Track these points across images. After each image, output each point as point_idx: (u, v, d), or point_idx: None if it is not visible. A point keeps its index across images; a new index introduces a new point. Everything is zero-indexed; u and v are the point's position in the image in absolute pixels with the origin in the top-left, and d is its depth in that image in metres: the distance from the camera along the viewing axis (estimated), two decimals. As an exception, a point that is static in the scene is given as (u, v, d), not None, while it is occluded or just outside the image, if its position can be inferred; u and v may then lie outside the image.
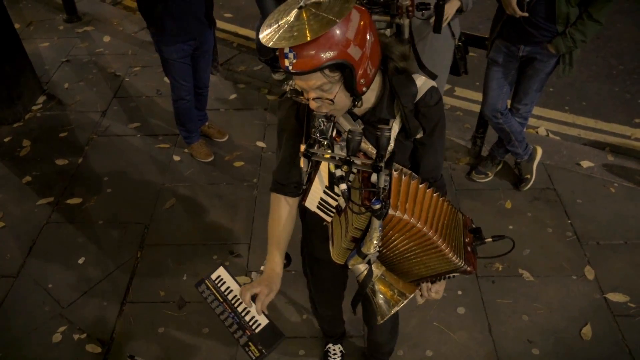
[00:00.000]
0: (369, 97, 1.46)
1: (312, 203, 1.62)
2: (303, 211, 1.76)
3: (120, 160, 3.79)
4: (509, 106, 3.30)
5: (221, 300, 1.63)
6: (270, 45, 1.25)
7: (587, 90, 4.58)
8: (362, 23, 1.27)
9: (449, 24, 2.98)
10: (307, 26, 1.20)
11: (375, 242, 1.35)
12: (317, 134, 1.35)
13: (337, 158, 1.34)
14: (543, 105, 4.36)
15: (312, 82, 1.30)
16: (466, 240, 1.51)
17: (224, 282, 1.66)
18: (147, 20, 3.12)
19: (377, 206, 1.27)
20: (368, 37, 1.29)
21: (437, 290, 1.62)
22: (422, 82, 1.49)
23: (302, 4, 1.24)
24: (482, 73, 3.28)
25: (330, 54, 1.23)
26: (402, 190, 1.36)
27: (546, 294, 2.91)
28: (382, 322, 1.50)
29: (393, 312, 1.48)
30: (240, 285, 1.63)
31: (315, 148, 1.36)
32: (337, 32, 1.23)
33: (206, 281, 1.67)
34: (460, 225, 1.53)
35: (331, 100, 1.33)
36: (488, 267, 3.03)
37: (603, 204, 3.41)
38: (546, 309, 2.84)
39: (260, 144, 3.91)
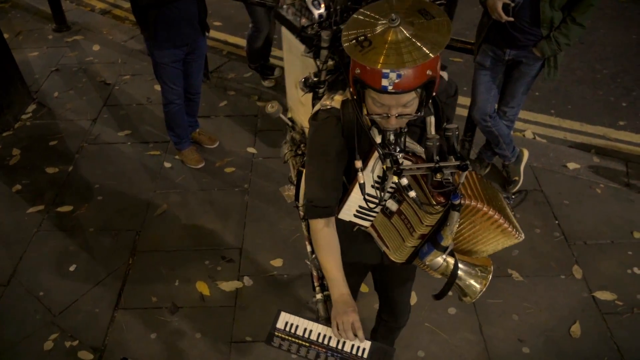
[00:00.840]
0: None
1: (347, 214, 1.64)
2: None
3: (111, 167, 3.79)
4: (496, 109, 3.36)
5: (307, 344, 1.57)
6: (366, 63, 1.24)
7: (572, 94, 4.66)
8: None
9: None
10: (415, 52, 1.22)
11: (454, 233, 1.41)
12: (393, 149, 1.36)
13: (425, 167, 1.34)
14: (529, 109, 4.43)
15: (405, 99, 1.32)
16: (510, 209, 1.60)
17: (296, 326, 1.59)
18: (140, 24, 3.14)
19: (457, 201, 1.32)
20: None
21: None
22: (444, 76, 1.55)
23: (394, 19, 1.24)
24: (470, 79, 3.34)
25: (430, 73, 1.28)
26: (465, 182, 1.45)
27: (535, 293, 2.94)
28: (473, 300, 1.57)
29: (485, 288, 1.55)
30: (313, 321, 1.61)
31: (402, 164, 1.36)
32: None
33: (276, 333, 1.59)
34: (499, 195, 1.61)
35: (414, 114, 1.36)
36: (478, 268, 3.06)
37: (589, 205, 3.47)
38: (536, 308, 2.87)
39: (251, 149, 3.93)
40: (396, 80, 1.25)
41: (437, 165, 1.30)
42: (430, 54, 1.22)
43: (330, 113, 1.51)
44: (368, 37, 1.26)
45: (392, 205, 1.52)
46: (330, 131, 1.52)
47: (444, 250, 1.46)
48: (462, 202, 1.36)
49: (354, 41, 1.27)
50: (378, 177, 1.52)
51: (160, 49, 3.19)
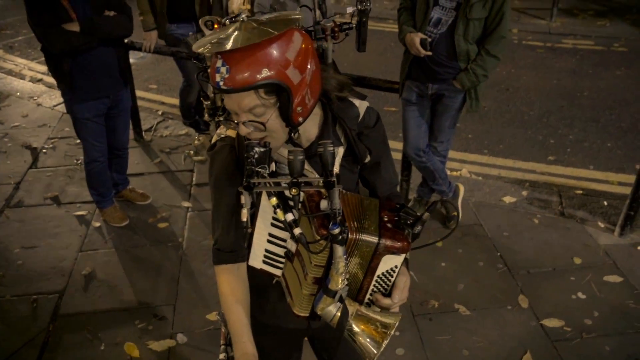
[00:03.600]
0: (310, 128, 1.36)
1: (256, 260, 1.43)
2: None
3: (35, 231, 3.54)
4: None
5: None
6: (198, 50, 1.16)
7: (503, 135, 4.82)
8: (303, 46, 1.20)
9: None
10: (241, 35, 1.13)
11: (342, 273, 1.19)
12: (254, 164, 1.17)
13: (282, 184, 1.18)
14: (463, 150, 4.54)
15: (245, 103, 1.18)
16: (384, 219, 1.35)
17: None
18: (55, 77, 3.04)
19: (336, 230, 1.13)
20: (309, 65, 1.21)
21: (403, 286, 1.38)
22: (358, 104, 1.44)
23: (242, 17, 1.17)
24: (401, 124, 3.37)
25: (266, 72, 1.13)
26: (346, 212, 1.25)
27: (484, 326, 2.85)
28: None
29: (383, 348, 1.29)
30: None
31: (255, 179, 1.18)
32: (277, 49, 1.14)
33: None
34: (371, 208, 1.38)
35: (262, 124, 1.21)
36: (424, 305, 2.96)
37: (529, 235, 3.48)
38: (485, 341, 2.77)
39: (186, 203, 3.79)
40: (226, 75, 1.14)
41: (295, 179, 1.14)
42: (254, 39, 1.11)
43: (225, 142, 1.38)
44: (218, 35, 1.18)
45: (291, 245, 1.33)
46: (222, 161, 1.38)
47: (333, 295, 1.23)
48: (345, 234, 1.17)
49: (209, 38, 1.20)
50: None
51: (79, 102, 3.08)
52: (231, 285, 1.44)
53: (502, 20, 2.79)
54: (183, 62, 4.06)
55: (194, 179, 4.06)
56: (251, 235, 1.40)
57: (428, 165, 3.31)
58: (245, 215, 1.22)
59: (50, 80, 5.79)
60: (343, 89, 1.40)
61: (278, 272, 1.43)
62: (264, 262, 1.42)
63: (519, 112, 5.23)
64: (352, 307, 1.30)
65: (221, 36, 1.17)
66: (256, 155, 1.17)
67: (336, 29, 2.50)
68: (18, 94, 5.37)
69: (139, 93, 5.10)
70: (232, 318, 1.44)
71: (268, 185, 1.19)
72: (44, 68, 5.87)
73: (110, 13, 2.99)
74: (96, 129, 3.18)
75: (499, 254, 3.32)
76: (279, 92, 1.18)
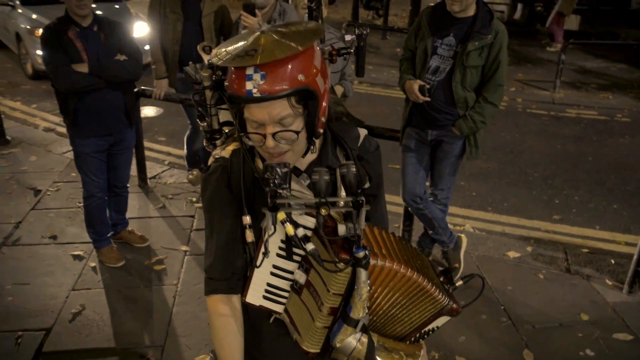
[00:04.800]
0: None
1: (255, 296, 1.33)
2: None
3: (29, 268, 3.48)
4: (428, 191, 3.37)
5: None
6: (228, 63, 1.13)
7: (507, 194, 4.79)
8: (322, 58, 1.21)
9: None
10: (272, 47, 1.11)
11: (365, 300, 1.13)
12: (277, 186, 1.12)
13: (307, 204, 1.14)
14: (467, 207, 4.50)
15: (277, 112, 1.15)
16: (441, 280, 1.37)
17: None
18: (61, 112, 3.10)
19: (361, 254, 1.08)
20: (328, 75, 1.23)
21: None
22: (358, 130, 1.43)
23: (263, 28, 1.17)
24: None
25: (302, 78, 1.13)
26: (371, 238, 1.21)
27: (486, 380, 2.70)
28: None
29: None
30: None
31: (280, 200, 1.13)
32: (307, 56, 1.15)
33: None
34: (429, 267, 1.39)
35: (296, 133, 1.18)
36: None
37: (534, 290, 3.37)
38: (488, 396, 2.61)
39: (184, 247, 3.73)
40: (261, 82, 1.11)
41: (323, 199, 1.11)
42: (299, 47, 1.11)
43: (218, 163, 1.33)
44: (235, 45, 1.17)
45: (300, 276, 1.25)
46: (215, 183, 1.32)
47: (355, 324, 1.16)
48: (369, 257, 1.11)
49: (224, 52, 1.18)
50: (282, 241, 1.26)
51: (81, 137, 3.13)
52: (224, 318, 1.35)
53: (499, 68, 2.85)
54: (191, 109, 4.15)
55: (194, 224, 4.03)
56: (251, 270, 1.32)
57: (426, 213, 3.27)
58: (250, 236, 1.20)
59: (62, 130, 5.92)
60: (339, 103, 1.41)
61: (279, 309, 1.33)
62: (265, 297, 1.33)
63: (524, 173, 5.23)
64: (374, 337, 1.24)
65: (246, 47, 1.14)
66: (278, 177, 1.13)
67: (334, 52, 2.56)
68: (29, 140, 5.48)
69: (148, 144, 5.20)
70: (223, 354, 1.36)
71: (294, 206, 1.15)
72: (58, 119, 6.03)
73: (121, 57, 3.10)
74: (96, 164, 3.21)
75: (502, 307, 3.20)
76: (308, 100, 1.17)
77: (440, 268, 1.49)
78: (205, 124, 1.40)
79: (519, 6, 12.55)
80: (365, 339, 1.20)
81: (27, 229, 3.94)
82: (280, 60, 1.11)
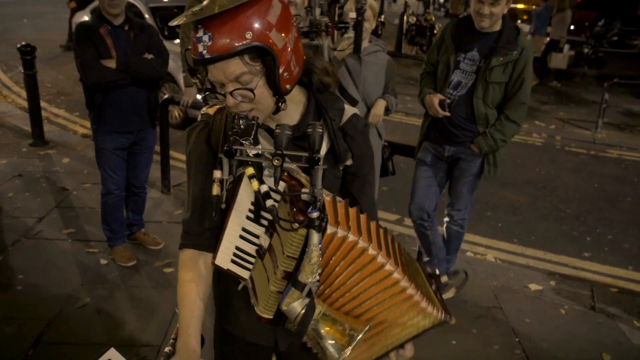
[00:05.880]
0: (292, 114, 1.33)
1: (224, 259, 1.31)
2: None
3: (43, 261, 3.53)
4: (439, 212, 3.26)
5: None
6: (175, 22, 1.16)
7: (535, 227, 4.60)
8: (284, 12, 1.19)
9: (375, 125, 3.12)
10: (217, 2, 1.11)
11: (315, 264, 1.09)
12: (239, 135, 1.13)
13: (264, 154, 1.13)
14: (491, 237, 4.33)
15: (231, 71, 1.15)
16: (432, 288, 1.30)
17: None
18: (87, 105, 3.19)
19: (315, 214, 1.05)
20: (291, 31, 1.20)
21: (410, 348, 1.32)
22: (346, 106, 1.41)
23: None
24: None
25: (250, 35, 1.12)
26: (340, 212, 1.16)
27: (492, 413, 2.52)
28: None
29: (347, 354, 1.16)
30: None
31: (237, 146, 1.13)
32: (258, 13, 1.13)
33: None
34: (420, 270, 1.33)
35: (251, 90, 1.17)
36: (426, 381, 2.66)
37: (553, 324, 3.17)
38: None
39: (196, 253, 3.72)
40: (209, 43, 1.11)
41: (280, 151, 1.09)
42: (234, 2, 1.09)
43: (202, 119, 1.36)
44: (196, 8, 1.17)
45: (264, 240, 1.24)
46: (195, 137, 1.34)
47: (301, 288, 1.11)
48: (325, 221, 1.07)
49: (184, 15, 1.19)
50: (252, 203, 1.25)
51: (103, 133, 3.20)
52: (191, 276, 1.35)
53: (523, 86, 2.76)
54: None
55: (209, 232, 4.02)
56: (222, 230, 1.30)
57: (428, 234, 3.15)
58: (216, 189, 1.17)
59: (99, 136, 6.11)
60: (328, 74, 1.37)
61: (245, 275, 1.31)
62: (233, 261, 1.31)
63: (555, 208, 5.02)
64: (319, 307, 1.18)
65: (196, 8, 1.16)
66: (242, 127, 1.14)
67: (329, 24, 2.53)
68: (65, 144, 5.67)
69: (177, 154, 5.28)
70: (183, 311, 1.34)
71: (248, 154, 1.14)
72: (96, 126, 6.23)
73: (148, 56, 3.18)
74: (115, 160, 3.26)
75: (517, 339, 3.01)
76: (264, 57, 1.16)
77: (430, 271, 1.38)
78: (197, 80, 1.44)
79: (566, 47, 12.33)
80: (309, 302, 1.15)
81: (48, 224, 4.02)
82: (226, 19, 1.10)
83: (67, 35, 10.87)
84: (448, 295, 3.18)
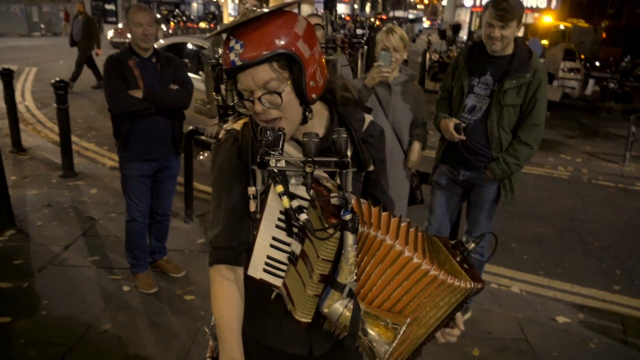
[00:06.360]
0: (317, 127, 1.38)
1: (256, 269, 1.33)
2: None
3: (67, 287, 3.59)
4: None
5: None
6: (211, 35, 1.30)
7: (562, 260, 4.48)
8: (309, 27, 1.26)
9: (405, 152, 3.13)
10: (248, 15, 1.20)
11: (352, 264, 1.13)
12: (268, 147, 1.15)
13: (296, 162, 1.17)
14: (517, 269, 4.23)
15: (260, 77, 1.21)
16: (457, 259, 1.31)
17: None
18: (114, 133, 3.28)
19: (348, 216, 1.09)
20: (316, 44, 1.27)
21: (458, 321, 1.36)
22: (365, 114, 1.49)
23: (247, 6, 1.31)
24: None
25: (279, 42, 1.19)
26: (365, 212, 1.22)
27: None
28: None
29: (393, 347, 1.19)
30: None
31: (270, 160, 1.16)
32: (286, 23, 1.21)
33: None
34: (442, 247, 1.35)
35: (279, 94, 1.22)
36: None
37: (582, 358, 3.04)
38: None
39: (217, 281, 3.72)
40: (240, 51, 1.18)
41: (310, 158, 1.13)
42: (264, 10, 1.19)
43: (230, 134, 1.38)
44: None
45: (296, 247, 1.26)
46: (225, 152, 1.36)
47: (341, 289, 1.14)
48: (357, 221, 1.11)
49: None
50: (281, 212, 1.27)
51: (129, 161, 3.28)
52: (225, 289, 1.36)
53: (535, 107, 2.75)
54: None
55: (230, 261, 4.03)
56: (252, 241, 1.32)
57: None
58: (253, 205, 1.21)
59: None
60: (348, 89, 1.43)
61: (278, 282, 1.32)
62: (265, 270, 1.32)
63: (583, 241, 4.90)
64: (361, 304, 1.20)
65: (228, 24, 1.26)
66: (270, 138, 1.16)
67: (345, 40, 2.59)
68: (94, 175, 5.82)
69: (201, 186, 5.38)
70: (222, 324, 1.35)
71: (278, 165, 1.17)
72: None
73: (173, 87, 3.29)
74: (140, 188, 3.34)
75: (544, 373, 2.91)
76: (292, 65, 1.23)
77: (452, 242, 1.37)
78: (220, 97, 1.50)
79: (591, 82, 12.27)
80: (352, 305, 1.17)
81: (74, 251, 4.10)
82: (257, 27, 1.19)
83: (94, 76, 11.31)
84: (466, 316, 3.11)
